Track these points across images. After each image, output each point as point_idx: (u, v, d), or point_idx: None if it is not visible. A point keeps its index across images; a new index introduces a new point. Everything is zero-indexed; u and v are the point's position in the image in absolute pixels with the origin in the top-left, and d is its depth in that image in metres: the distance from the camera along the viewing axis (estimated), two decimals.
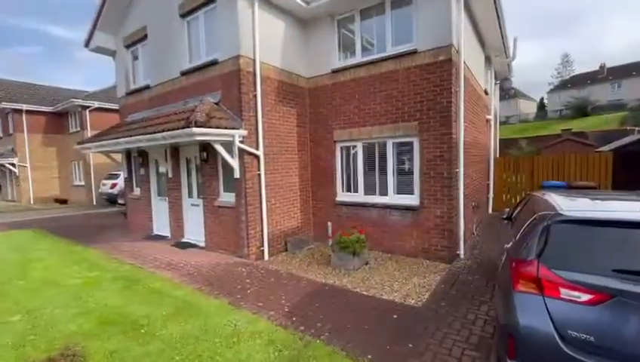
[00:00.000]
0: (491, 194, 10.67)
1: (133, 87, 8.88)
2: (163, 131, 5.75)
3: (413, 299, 4.47)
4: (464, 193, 6.40)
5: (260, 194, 6.49)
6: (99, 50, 9.30)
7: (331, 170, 7.49)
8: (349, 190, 7.38)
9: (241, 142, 6.15)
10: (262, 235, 6.55)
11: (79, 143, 8.71)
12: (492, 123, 10.90)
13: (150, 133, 6.07)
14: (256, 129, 6.40)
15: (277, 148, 6.95)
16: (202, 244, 7.38)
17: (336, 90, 7.24)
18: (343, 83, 7.11)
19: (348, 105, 7.09)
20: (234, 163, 6.24)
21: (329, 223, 7.52)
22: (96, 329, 3.69)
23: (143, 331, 3.62)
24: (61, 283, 5.18)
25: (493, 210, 10.70)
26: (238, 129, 6.09)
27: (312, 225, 7.93)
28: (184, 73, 7.27)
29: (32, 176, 18.49)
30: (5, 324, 3.84)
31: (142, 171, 8.97)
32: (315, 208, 7.89)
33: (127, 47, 8.94)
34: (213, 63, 6.60)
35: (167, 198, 8.23)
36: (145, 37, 8.29)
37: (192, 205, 7.73)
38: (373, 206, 6.80)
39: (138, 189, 9.32)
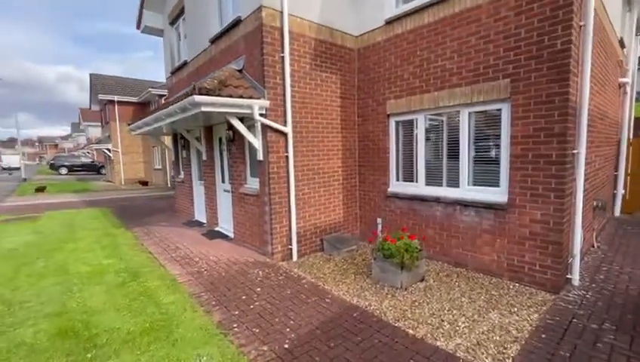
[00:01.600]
0: (621, 190, 7.57)
1: (175, 65, 8.46)
2: (175, 104, 4.90)
3: (488, 355, 2.73)
4: (584, 187, 4.16)
5: (288, 181, 5.26)
6: (148, 30, 9.13)
7: (383, 153, 5.84)
8: (405, 178, 5.65)
9: (263, 115, 4.97)
10: (289, 231, 5.35)
11: (128, 125, 8.71)
12: (628, 89, 7.65)
13: (166, 108, 5.31)
14: (284, 100, 5.13)
15: (312, 124, 5.59)
16: (231, 235, 6.56)
17: (391, 47, 5.49)
18: (400, 36, 5.33)
19: (406, 66, 5.30)
20: (255, 141, 5.12)
21: (379, 220, 5.95)
22: (45, 342, 2.96)
23: (88, 356, 2.73)
24: (69, 271, 4.81)
25: (623, 212, 7.62)
26: (259, 99, 4.90)
27: (358, 221, 6.45)
28: (213, 40, 6.38)
29: (122, 160, 20.78)
30: None
31: (184, 154, 8.60)
32: (362, 200, 6.36)
33: (171, 23, 8.53)
34: (237, 23, 5.50)
35: (203, 183, 7.65)
36: (183, 10, 7.69)
37: (225, 191, 6.95)
38: (438, 201, 4.98)
39: (182, 173, 9.04)
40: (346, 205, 6.25)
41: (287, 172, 5.25)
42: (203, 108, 4.42)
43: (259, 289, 4.14)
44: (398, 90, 5.45)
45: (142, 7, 8.65)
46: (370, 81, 5.93)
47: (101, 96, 19.58)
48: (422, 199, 5.23)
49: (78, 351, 2.82)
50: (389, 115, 5.69)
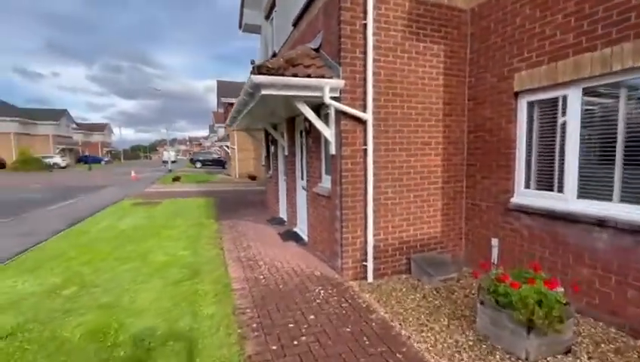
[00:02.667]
0: None
1: (267, 59, 8.36)
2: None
3: None
4: None
5: (365, 181, 4.20)
6: (248, 28, 9.38)
7: (506, 148, 4.13)
8: (540, 185, 3.84)
9: (336, 98, 4.03)
10: (364, 243, 4.28)
11: (227, 124, 9.11)
12: None
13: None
14: (364, 79, 4.08)
15: (401, 109, 4.36)
16: (305, 239, 5.89)
17: None
18: None
19: (550, 16, 3.51)
20: (326, 131, 4.24)
21: (494, 241, 4.29)
22: (74, 341, 2.77)
23: None
24: (147, 259, 4.95)
25: None
26: (331, 78, 3.99)
27: (462, 239, 4.85)
28: (295, 23, 5.80)
29: (237, 156, 23.21)
30: (50, 296, 3.58)
31: (272, 149, 8.45)
32: (470, 211, 4.74)
33: (266, 17, 8.47)
34: None
35: (285, 179, 7.25)
36: (275, 2, 7.45)
37: (302, 189, 6.33)
38: (602, 224, 3.09)
39: (271, 169, 8.94)
40: (445, 216, 4.75)
41: (365, 169, 4.18)
42: (263, 91, 3.77)
43: (312, 316, 3.24)
44: (535, 55, 3.68)
45: (242, 6, 8.89)
46: (490, 48, 4.27)
47: (223, 99, 22.27)
48: (570, 219, 3.36)
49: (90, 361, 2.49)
50: (517, 94, 3.95)
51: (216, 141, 31.02)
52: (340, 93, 4.06)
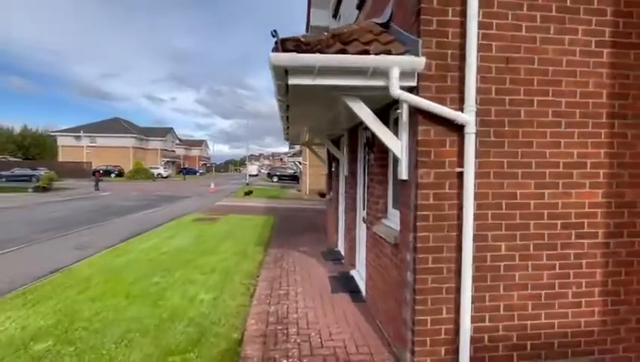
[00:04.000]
0: None
1: None
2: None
3: None
4: None
5: (460, 227, 2.47)
6: (315, 30, 8.42)
7: None
8: None
9: (411, 89, 2.47)
10: (454, 333, 2.50)
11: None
12: None
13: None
14: (461, 55, 2.44)
15: (529, 107, 2.55)
16: (363, 291, 4.28)
17: None
18: None
19: None
20: (392, 143, 2.68)
21: None
22: None
23: None
24: (159, 301, 4.00)
25: None
26: (402, 55, 2.44)
27: None
28: (359, 6, 4.43)
29: (309, 172, 22.67)
30: (17, 352, 2.75)
31: (333, 167, 7.11)
32: None
33: (334, 16, 7.35)
34: None
35: (344, 205, 5.78)
36: None
37: (363, 221, 4.77)
38: None
39: (333, 190, 7.58)
40: (610, 295, 2.64)
41: (460, 207, 2.46)
42: (292, 80, 2.43)
43: None
44: None
45: (309, 6, 7.99)
46: None
47: None
48: None
49: None
50: None
51: (290, 156, 31.42)
52: (419, 81, 2.47)
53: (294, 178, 35.72)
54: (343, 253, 6.02)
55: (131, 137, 44.17)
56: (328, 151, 7.85)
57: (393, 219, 3.30)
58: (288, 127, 5.23)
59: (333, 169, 7.14)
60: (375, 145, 3.69)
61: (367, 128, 3.70)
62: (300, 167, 23.47)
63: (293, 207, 14.63)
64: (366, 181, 4.45)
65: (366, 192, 4.44)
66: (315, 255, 6.37)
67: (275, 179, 36.49)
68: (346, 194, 5.49)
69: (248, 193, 19.71)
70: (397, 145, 2.67)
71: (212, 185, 22.29)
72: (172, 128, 54.78)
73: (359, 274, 4.87)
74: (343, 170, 5.56)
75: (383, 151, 3.45)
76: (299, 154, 24.15)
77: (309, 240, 7.80)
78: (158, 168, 42.06)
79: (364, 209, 4.79)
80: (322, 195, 20.66)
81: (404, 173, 2.66)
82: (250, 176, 53.56)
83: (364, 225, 4.68)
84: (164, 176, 41.09)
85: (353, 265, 5.22)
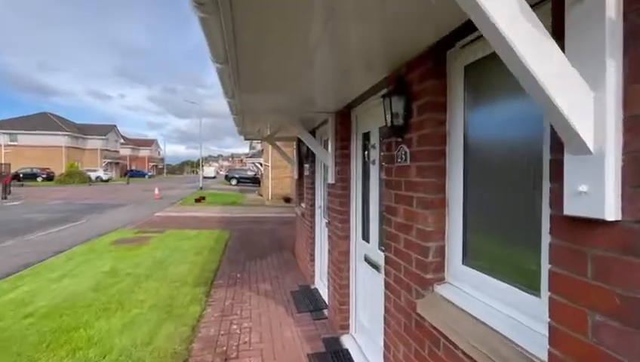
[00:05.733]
0: None
1: None
2: None
3: None
4: None
5: None
6: None
7: None
8: None
9: None
10: None
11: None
12: None
13: None
14: None
15: None
16: None
17: None
18: None
19: None
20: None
21: None
22: None
23: None
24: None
25: None
26: None
27: None
28: None
29: (271, 174, 20.42)
30: None
31: (306, 169, 5.14)
32: None
33: None
34: None
35: (328, 226, 3.81)
36: None
37: (368, 262, 2.86)
38: None
39: (304, 200, 5.60)
40: None
41: None
42: None
43: None
44: None
45: None
46: None
47: None
48: None
49: None
50: None
51: (250, 157, 28.87)
52: None
53: (255, 181, 33.11)
54: (326, 298, 4.07)
55: (64, 135, 38.38)
56: (298, 147, 5.87)
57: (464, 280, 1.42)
58: (237, 110, 3.16)
59: (306, 172, 5.17)
60: (411, 129, 1.80)
61: (390, 95, 1.81)
62: (261, 168, 21.14)
63: (254, 217, 12.39)
64: (380, 197, 2.55)
65: (380, 217, 2.55)
66: (282, 300, 4.33)
67: (234, 182, 33.55)
68: (332, 210, 3.54)
69: (200, 199, 17.01)
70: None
71: (156, 191, 19.13)
72: (115, 126, 48.95)
73: (360, 349, 2.95)
74: (328, 175, 3.61)
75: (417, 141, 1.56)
76: (259, 154, 21.81)
77: (273, 267, 5.74)
78: (96, 171, 36.92)
79: (366, 240, 2.88)
80: (287, 200, 18.60)
81: None
82: (206, 178, 49.60)
83: (368, 268, 2.78)
84: (105, 179, 36.12)
85: (346, 324, 3.29)
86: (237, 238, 8.27)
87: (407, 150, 1.83)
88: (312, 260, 4.86)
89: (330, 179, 3.44)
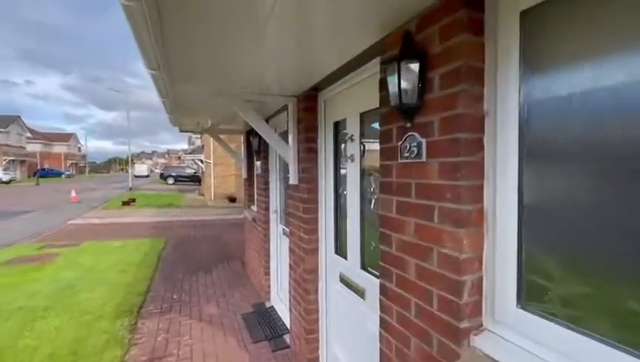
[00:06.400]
0: None
1: None
2: None
3: None
4: None
5: None
6: None
7: None
8: None
9: None
10: None
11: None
12: None
13: None
14: None
15: None
16: None
17: None
18: None
19: None
20: None
21: None
22: None
23: None
24: None
25: None
26: None
27: None
28: None
29: (214, 172, 18.88)
30: None
31: (258, 166, 4.40)
32: None
33: None
34: None
35: (289, 236, 3.14)
36: None
37: (346, 283, 2.28)
38: None
39: (256, 202, 4.85)
40: None
41: None
42: None
43: None
44: None
45: None
46: None
47: None
48: None
49: None
50: None
51: (189, 153, 26.62)
52: None
53: (195, 179, 30.68)
54: (286, 321, 3.42)
55: None
56: (247, 141, 5.09)
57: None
58: (169, 103, 2.34)
59: (258, 170, 4.42)
60: (432, 106, 1.25)
61: (398, 61, 1.22)
62: (202, 166, 19.43)
63: (195, 220, 11.11)
64: (361, 205, 1.98)
65: (360, 222, 1.99)
66: (233, 327, 3.57)
67: (171, 181, 30.68)
68: (294, 216, 2.89)
69: (129, 202, 14.92)
70: None
71: (73, 193, 16.34)
72: (19, 117, 41.39)
73: None
74: (282, 172, 2.94)
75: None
76: (200, 150, 20.03)
77: (220, 283, 4.89)
78: None
79: (338, 251, 2.32)
80: (233, 200, 17.37)
81: None
82: (138, 177, 44.80)
83: (348, 293, 2.22)
84: (5, 180, 30.29)
85: (316, 361, 2.68)
86: (174, 248, 7.14)
87: (423, 140, 1.28)
88: (267, 273, 4.16)
89: (292, 180, 2.78)
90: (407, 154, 1.37)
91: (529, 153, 1.04)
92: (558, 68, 0.98)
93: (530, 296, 1.06)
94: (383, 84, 1.47)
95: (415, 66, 1.25)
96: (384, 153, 1.54)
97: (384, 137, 1.54)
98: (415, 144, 1.31)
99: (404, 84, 1.26)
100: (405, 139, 1.37)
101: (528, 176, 1.05)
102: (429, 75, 1.24)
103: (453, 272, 1.16)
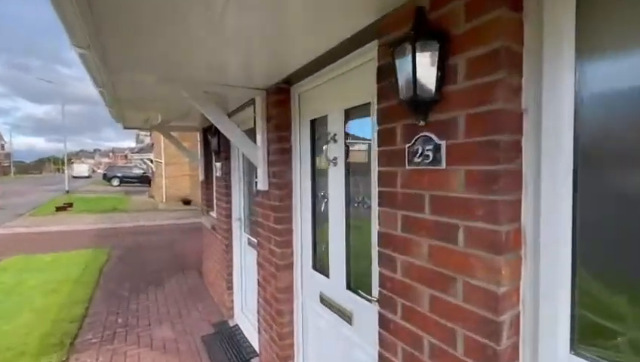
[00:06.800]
0: None
1: None
2: None
3: None
4: None
5: None
6: None
7: None
8: None
9: None
10: None
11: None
12: None
13: None
14: None
15: None
16: None
17: None
18: None
19: None
20: None
21: None
22: None
23: None
24: None
25: None
26: None
27: None
28: None
29: (165, 172, 17.53)
30: None
31: (218, 167, 3.94)
32: None
33: None
34: None
35: (257, 247, 2.76)
36: None
37: (328, 305, 1.99)
38: None
39: (215, 207, 4.37)
40: None
41: None
42: None
43: None
44: None
45: None
46: None
47: None
48: None
49: None
50: None
51: (136, 152, 24.57)
52: None
53: (145, 180, 28.39)
54: (254, 343, 3.05)
55: None
56: (205, 139, 4.59)
57: None
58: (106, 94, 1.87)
59: (218, 173, 3.96)
60: (456, 100, 1.00)
61: (412, 43, 0.95)
62: (152, 166, 17.93)
63: (144, 226, 10.10)
64: (348, 209, 1.70)
65: (346, 235, 1.71)
66: (191, 353, 3.11)
67: (116, 182, 28.06)
68: (264, 227, 2.53)
69: (64, 207, 13.23)
70: None
71: None
72: None
73: None
74: (247, 175, 2.57)
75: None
76: (149, 149, 18.48)
77: (174, 299, 4.33)
78: None
79: (344, 278, 2.03)
80: (187, 203, 16.26)
81: None
82: (77, 178, 40.39)
83: (341, 322, 1.94)
84: None
85: None
86: (119, 259, 6.31)
87: (442, 142, 1.03)
88: (230, 288, 3.73)
89: (262, 185, 2.42)
90: (418, 160, 1.11)
91: (588, 158, 0.83)
92: (630, 51, 0.77)
93: (589, 339, 0.85)
94: (385, 73, 1.20)
95: (434, 49, 0.99)
96: (384, 157, 1.27)
97: (384, 138, 1.27)
98: (430, 147, 1.06)
99: (420, 71, 1.00)
100: (416, 141, 1.11)
101: (586, 186, 0.84)
102: (451, 62, 0.99)
103: (487, 309, 0.92)
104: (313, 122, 2.11)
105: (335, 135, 1.84)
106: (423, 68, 1.00)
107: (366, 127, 1.61)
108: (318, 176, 2.10)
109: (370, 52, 1.44)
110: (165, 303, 4.22)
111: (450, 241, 1.02)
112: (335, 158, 1.85)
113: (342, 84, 1.76)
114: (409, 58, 1.00)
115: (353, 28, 1.40)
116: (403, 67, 1.04)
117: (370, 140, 1.56)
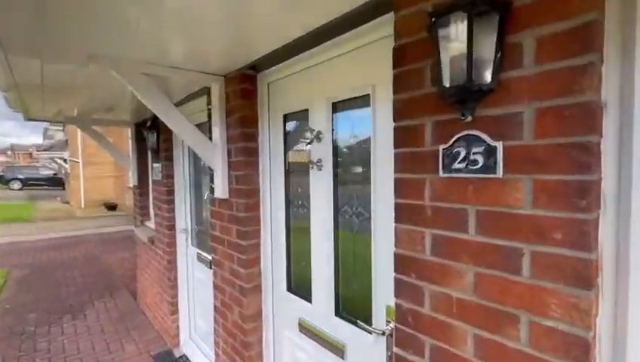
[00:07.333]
0: None
1: None
2: None
3: None
4: None
5: None
6: None
7: None
8: None
9: None
10: None
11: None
12: None
13: None
14: None
15: None
16: None
17: None
18: None
19: None
20: None
21: None
22: None
23: None
24: None
25: None
26: None
27: None
28: None
29: (84, 173, 15.20)
30: None
31: (157, 169, 3.32)
32: None
33: None
34: None
35: (214, 267, 2.31)
36: None
37: (311, 335, 1.67)
38: None
39: (154, 217, 3.70)
40: None
41: None
42: None
43: None
44: None
45: None
46: None
47: None
48: None
49: None
50: None
51: (45, 150, 21.08)
52: None
53: (56, 183, 24.39)
54: None
55: None
56: (139, 135, 3.88)
57: None
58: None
59: (156, 176, 3.33)
60: (518, 88, 0.77)
61: (470, 10, 0.69)
62: (66, 166, 15.38)
63: (57, 238, 8.49)
64: (336, 221, 1.41)
65: (335, 253, 1.43)
66: None
67: (17, 185, 23.56)
68: (222, 242, 2.11)
69: None
70: None
71: None
72: None
73: None
74: (197, 177, 2.12)
75: None
76: (63, 146, 15.81)
77: (100, 329, 3.56)
78: None
79: (332, 304, 1.72)
80: (111, 207, 14.35)
81: None
82: None
83: (330, 355, 1.63)
84: None
85: None
86: (22, 283, 5.11)
87: (498, 143, 0.80)
88: (175, 312, 3.16)
89: (220, 192, 2.00)
90: (459, 165, 0.87)
91: None
92: None
93: None
94: (411, 54, 0.95)
95: (493, 22, 0.76)
96: (403, 161, 1.02)
97: (404, 137, 1.01)
98: (480, 150, 0.83)
99: (477, 51, 0.75)
100: (455, 142, 0.87)
101: None
102: (512, 40, 0.77)
103: (569, 359, 0.72)
104: (287, 117, 1.78)
105: (320, 133, 1.54)
106: (478, 46, 0.76)
107: (363, 123, 1.34)
108: (294, 182, 1.77)
109: (374, 31, 1.18)
110: (88, 336, 3.44)
111: (510, 270, 0.80)
112: (320, 160, 1.54)
113: (330, 71, 1.46)
114: (462, 32, 0.75)
115: (351, 2, 1.12)
116: (450, 45, 0.79)
117: (369, 139, 1.30)
